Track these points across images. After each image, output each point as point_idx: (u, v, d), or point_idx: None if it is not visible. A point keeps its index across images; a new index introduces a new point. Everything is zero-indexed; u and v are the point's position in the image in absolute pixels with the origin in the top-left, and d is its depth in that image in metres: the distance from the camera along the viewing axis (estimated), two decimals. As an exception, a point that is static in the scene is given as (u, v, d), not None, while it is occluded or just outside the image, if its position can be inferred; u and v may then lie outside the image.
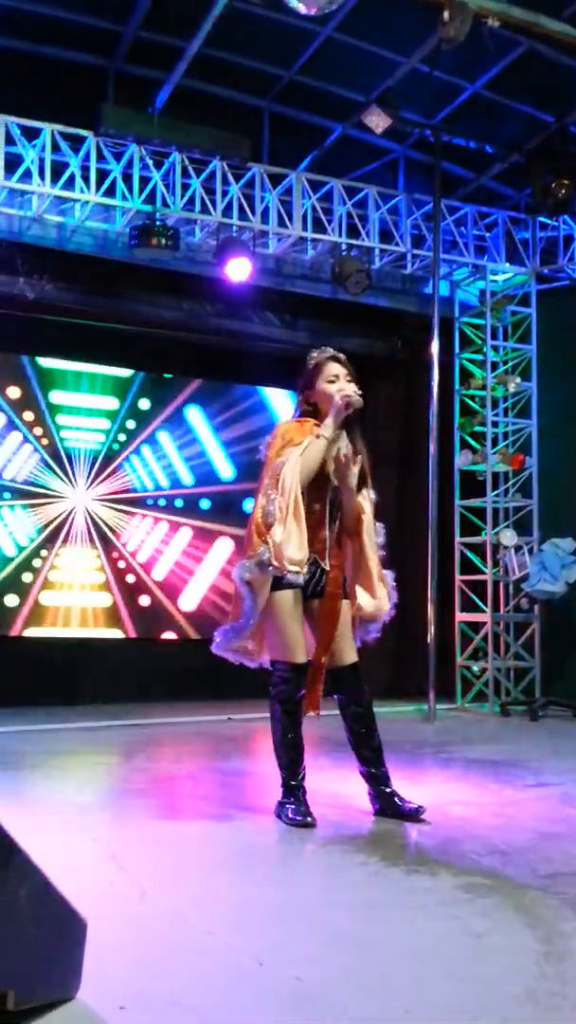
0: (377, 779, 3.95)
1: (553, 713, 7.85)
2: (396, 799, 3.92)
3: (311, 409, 3.98)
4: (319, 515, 3.86)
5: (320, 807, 3.88)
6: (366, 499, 3.95)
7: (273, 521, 3.64)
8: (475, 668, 8.75)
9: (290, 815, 3.79)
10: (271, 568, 3.64)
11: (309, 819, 3.75)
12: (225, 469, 9.61)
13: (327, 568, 3.88)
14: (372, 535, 3.94)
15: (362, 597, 3.90)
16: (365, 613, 3.94)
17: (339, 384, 3.87)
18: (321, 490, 3.86)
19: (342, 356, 3.99)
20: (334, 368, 3.92)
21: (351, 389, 3.85)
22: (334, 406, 3.81)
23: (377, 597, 3.91)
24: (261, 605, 3.79)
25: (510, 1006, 2.12)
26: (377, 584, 3.92)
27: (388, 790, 3.94)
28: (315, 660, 3.85)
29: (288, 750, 3.88)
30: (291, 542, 3.63)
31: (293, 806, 3.81)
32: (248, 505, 9.42)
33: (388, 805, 3.91)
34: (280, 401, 9.81)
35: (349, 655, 3.92)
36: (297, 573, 3.65)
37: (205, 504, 9.51)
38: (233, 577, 3.81)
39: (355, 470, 3.86)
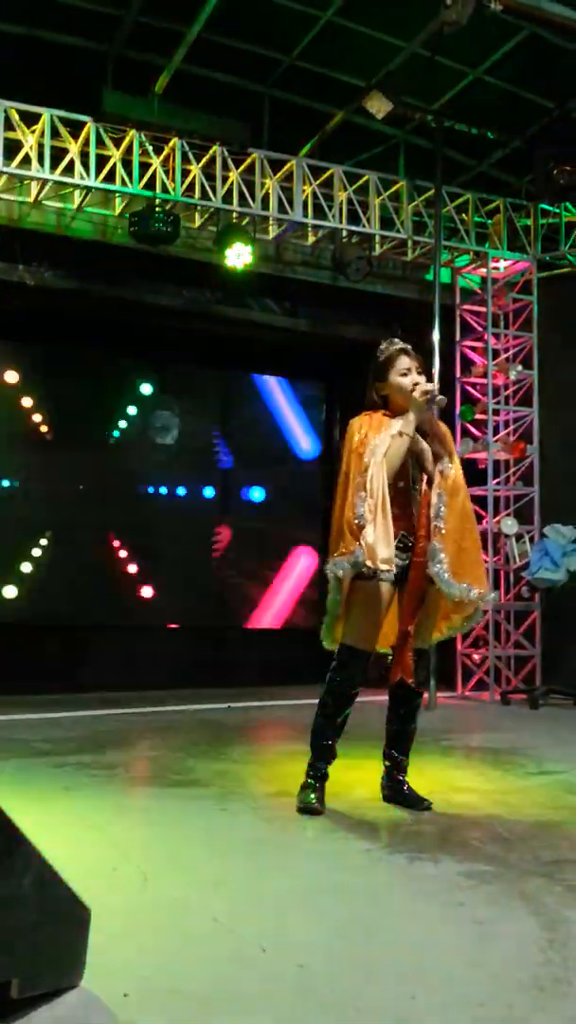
0: (398, 765, 4.00)
1: (553, 701, 7.85)
2: (406, 790, 3.96)
3: (380, 401, 3.97)
4: (404, 490, 3.87)
5: (324, 794, 3.87)
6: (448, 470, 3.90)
7: (364, 523, 3.71)
8: (475, 656, 8.75)
9: (305, 801, 3.79)
10: (365, 568, 3.70)
11: (318, 806, 3.77)
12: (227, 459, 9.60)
13: (415, 540, 3.84)
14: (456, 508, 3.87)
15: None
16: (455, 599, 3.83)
17: (412, 377, 3.88)
18: (402, 468, 3.86)
19: (411, 348, 3.98)
20: (405, 361, 3.92)
21: (427, 383, 3.87)
22: (414, 401, 3.82)
23: (461, 581, 3.78)
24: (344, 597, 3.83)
25: (515, 993, 2.11)
26: (467, 566, 3.83)
27: (402, 779, 3.99)
28: (402, 627, 3.84)
29: (328, 736, 3.87)
30: (381, 541, 3.71)
31: (314, 793, 3.81)
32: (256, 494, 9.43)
33: (398, 794, 3.95)
34: (278, 389, 9.80)
35: (420, 638, 3.88)
36: (388, 570, 3.70)
37: (209, 493, 9.51)
38: (327, 572, 3.84)
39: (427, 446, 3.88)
